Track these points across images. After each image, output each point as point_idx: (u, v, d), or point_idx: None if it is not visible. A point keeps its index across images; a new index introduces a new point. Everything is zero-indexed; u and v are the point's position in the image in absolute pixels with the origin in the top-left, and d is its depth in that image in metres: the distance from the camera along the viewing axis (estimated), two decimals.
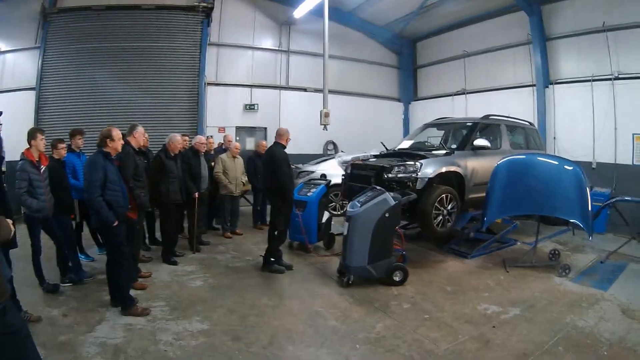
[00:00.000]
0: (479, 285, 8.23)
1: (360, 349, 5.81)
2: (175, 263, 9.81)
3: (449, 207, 9.63)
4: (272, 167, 9.19)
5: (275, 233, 9.42)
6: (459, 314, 6.84)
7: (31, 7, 18.81)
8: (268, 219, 12.00)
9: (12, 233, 3.36)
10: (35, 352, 3.51)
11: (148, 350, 5.75)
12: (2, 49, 19.06)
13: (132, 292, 7.38)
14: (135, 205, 8.06)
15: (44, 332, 6.09)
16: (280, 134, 9.54)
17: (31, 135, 7.35)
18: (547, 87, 17.23)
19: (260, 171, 12.23)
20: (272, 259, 9.38)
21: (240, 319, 6.87)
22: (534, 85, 17.81)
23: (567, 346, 5.75)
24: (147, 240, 11.28)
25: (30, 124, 14.98)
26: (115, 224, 6.80)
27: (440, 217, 9.55)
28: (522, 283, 8.31)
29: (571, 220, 8.98)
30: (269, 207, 12.69)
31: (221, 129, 19.88)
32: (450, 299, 7.55)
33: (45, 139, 7.69)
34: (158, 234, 11.14)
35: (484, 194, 9.95)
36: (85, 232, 10.02)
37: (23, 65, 18.83)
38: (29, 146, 7.34)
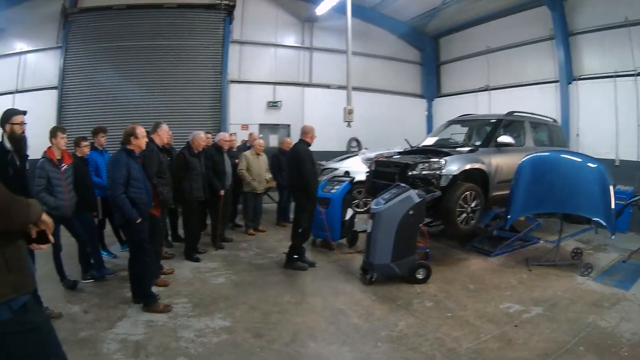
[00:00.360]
0: (502, 283, 8.18)
1: (382, 347, 5.79)
2: (197, 260, 9.85)
3: (473, 205, 9.59)
4: (297, 164, 9.15)
5: (299, 230, 9.37)
6: (482, 313, 6.81)
7: (52, 8, 19.08)
8: (292, 216, 12.07)
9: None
10: (58, 349, 3.41)
11: (169, 347, 5.78)
12: (24, 49, 19.33)
13: (154, 289, 7.43)
14: (159, 202, 8.08)
15: (65, 328, 6.11)
16: (305, 131, 9.48)
17: (52, 134, 7.41)
18: (570, 83, 17.08)
19: (285, 168, 12.26)
20: (295, 256, 9.32)
21: (263, 316, 6.87)
22: (557, 81, 17.67)
23: (588, 346, 5.70)
24: (169, 237, 11.33)
25: (52, 122, 15.17)
26: (138, 221, 6.85)
27: (464, 215, 9.51)
28: (544, 282, 8.24)
29: (594, 219, 8.90)
30: (292, 204, 12.75)
31: (244, 126, 19.99)
32: (472, 297, 7.52)
33: (68, 138, 7.76)
34: (181, 231, 11.18)
35: (507, 192, 9.86)
36: (108, 229, 10.09)
37: (45, 64, 19.13)
38: (50, 144, 7.44)
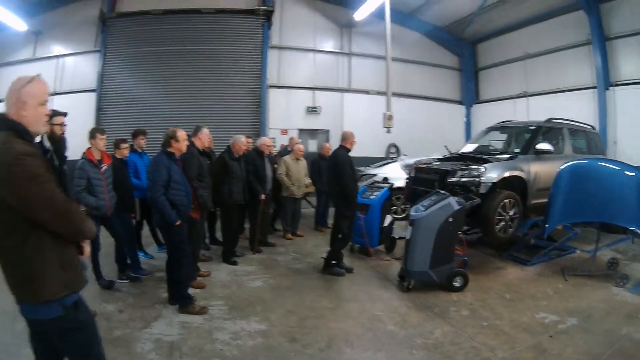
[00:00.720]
0: (538, 293, 8.09)
1: (417, 355, 5.78)
2: (235, 263, 9.92)
3: (511, 213, 9.54)
4: (336, 170, 9.10)
5: (339, 236, 9.36)
6: (517, 322, 6.76)
7: (90, 12, 19.70)
8: (330, 221, 12.09)
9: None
10: (100, 348, 3.72)
11: (204, 349, 5.84)
12: (62, 52, 19.86)
13: (191, 291, 7.50)
14: (198, 205, 8.18)
15: (100, 327, 6.20)
16: (345, 137, 9.43)
17: (91, 135, 7.56)
18: (608, 89, 17.06)
19: (324, 174, 12.32)
20: (333, 262, 9.30)
21: (299, 321, 6.89)
22: (594, 87, 17.61)
23: (623, 358, 5.65)
24: (207, 240, 11.39)
25: (90, 124, 15.44)
26: (177, 223, 6.95)
27: (503, 223, 9.46)
28: (580, 292, 8.16)
29: (631, 228, 8.81)
30: (331, 209, 12.77)
31: (284, 131, 20.21)
32: (508, 306, 7.46)
33: (107, 139, 7.90)
34: (219, 234, 11.25)
35: (546, 200, 9.74)
36: (145, 230, 10.31)
37: (83, 67, 19.74)
38: (89, 146, 7.56)
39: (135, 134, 9.98)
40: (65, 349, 3.43)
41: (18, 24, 18.72)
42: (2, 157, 2.96)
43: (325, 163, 12.30)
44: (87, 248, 3.52)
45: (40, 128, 3.38)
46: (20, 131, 3.15)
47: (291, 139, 14.24)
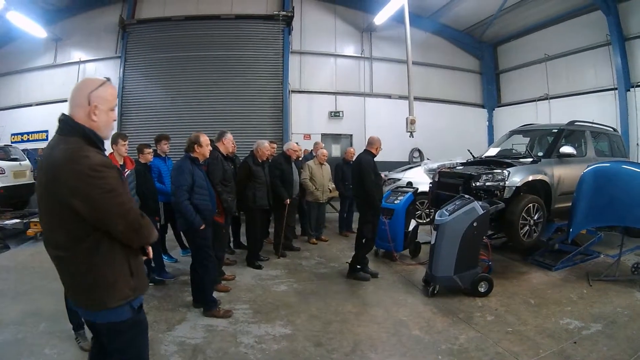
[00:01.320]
0: (562, 298, 8.05)
1: None
2: (259, 267, 9.99)
3: (536, 217, 9.49)
4: (359, 175, 9.08)
5: (363, 241, 9.30)
6: (541, 328, 6.73)
7: (109, 19, 20.08)
8: (354, 226, 12.12)
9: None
10: (148, 349, 3.76)
11: (228, 352, 5.89)
12: (83, 59, 20.24)
13: (215, 294, 7.56)
14: (222, 209, 8.24)
15: None
16: (371, 142, 9.45)
17: (113, 141, 7.66)
18: (629, 90, 16.99)
19: (348, 178, 12.44)
20: (358, 266, 9.30)
21: (324, 325, 6.91)
22: (615, 88, 17.60)
23: None
24: (231, 244, 11.50)
25: (113, 129, 15.54)
26: (201, 228, 7.02)
27: (527, 227, 9.41)
28: (604, 297, 8.08)
29: None
30: (355, 214, 12.81)
31: (306, 136, 20.30)
32: (533, 312, 7.42)
33: (129, 144, 8.04)
34: (243, 238, 11.35)
35: (569, 204, 9.69)
36: (169, 234, 10.41)
37: (104, 73, 19.62)
38: (112, 151, 7.63)
39: (159, 139, 10.08)
40: (121, 349, 3.47)
41: (37, 31, 19.04)
42: (76, 166, 2.95)
43: (349, 168, 12.39)
44: (150, 250, 3.62)
45: (108, 134, 3.39)
46: (91, 138, 3.17)
47: (316, 144, 14.17)
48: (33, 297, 7.73)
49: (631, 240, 10.41)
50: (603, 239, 10.34)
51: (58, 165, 2.98)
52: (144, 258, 3.59)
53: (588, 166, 9.43)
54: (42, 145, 19.51)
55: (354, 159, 10.20)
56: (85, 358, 5.36)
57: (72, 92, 3.29)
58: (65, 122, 3.19)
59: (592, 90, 18.91)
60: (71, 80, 19.43)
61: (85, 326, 5.87)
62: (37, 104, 20.76)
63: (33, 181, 15.47)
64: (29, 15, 17.78)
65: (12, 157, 15.36)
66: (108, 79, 3.41)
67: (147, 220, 3.37)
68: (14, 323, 6.60)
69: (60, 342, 5.98)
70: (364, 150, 9.45)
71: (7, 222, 12.73)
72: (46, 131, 20.04)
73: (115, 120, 3.44)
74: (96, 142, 3.19)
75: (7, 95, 21.53)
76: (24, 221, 12.75)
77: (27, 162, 15.95)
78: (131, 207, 3.20)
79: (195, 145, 7.21)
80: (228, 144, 8.80)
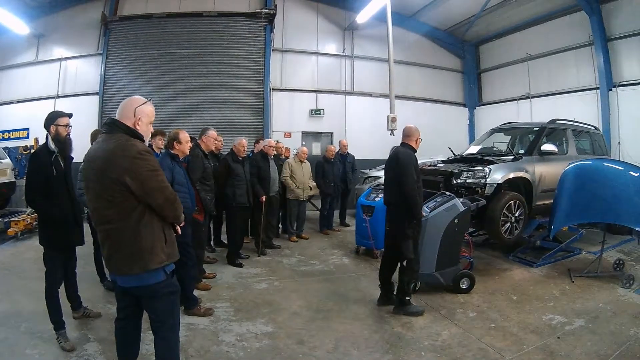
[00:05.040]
0: (544, 294, 8.09)
1: (425, 357, 5.78)
2: (240, 265, 9.92)
3: (517, 214, 9.54)
4: (397, 174, 7.23)
5: (404, 264, 7.32)
6: (525, 324, 6.76)
7: (92, 15, 19.96)
8: (334, 224, 12.12)
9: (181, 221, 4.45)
10: (179, 312, 4.64)
11: (210, 350, 5.86)
12: (65, 56, 20.02)
13: (196, 293, 7.49)
14: (202, 207, 8.21)
15: (103, 328, 6.32)
16: (410, 133, 7.61)
17: (93, 138, 7.63)
18: (611, 90, 17.16)
19: (329, 176, 12.77)
20: (407, 298, 7.30)
21: (305, 323, 6.89)
22: (597, 88, 17.72)
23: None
24: (212, 242, 11.49)
25: (94, 127, 15.40)
26: (181, 225, 6.95)
27: (508, 224, 9.45)
28: (586, 293, 8.15)
29: (636, 229, 8.79)
30: (336, 212, 12.74)
31: (287, 134, 20.24)
32: (515, 308, 7.46)
33: None
34: (224, 237, 11.32)
35: (551, 201, 9.75)
36: None
37: (86, 70, 20.01)
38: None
39: (154, 135, 9.96)
40: (157, 308, 4.26)
41: (20, 27, 18.78)
42: (128, 152, 3.83)
43: (330, 166, 12.32)
44: (179, 229, 4.52)
45: (146, 140, 4.28)
46: (135, 133, 4.07)
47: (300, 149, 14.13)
48: (13, 297, 7.62)
49: (612, 237, 10.46)
50: (584, 236, 10.40)
51: (112, 153, 3.85)
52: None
53: (570, 164, 9.49)
54: (23, 143, 19.65)
55: (391, 154, 7.84)
56: (67, 358, 5.47)
57: (122, 106, 4.17)
58: (113, 124, 4.07)
59: (574, 90, 19.01)
60: (52, 78, 19.92)
61: (66, 325, 5.89)
62: (18, 102, 20.47)
63: (14, 180, 15.47)
64: (11, 11, 17.57)
65: None
66: (150, 99, 4.35)
67: (177, 197, 4.25)
68: None
69: (42, 342, 5.91)
70: (401, 143, 7.69)
71: None
72: (27, 129, 19.87)
73: (152, 132, 4.41)
74: (139, 136, 4.09)
75: None
76: (5, 220, 12.64)
77: (7, 160, 15.67)
78: (168, 185, 4.15)
79: (175, 142, 7.17)
80: (209, 141, 8.78)
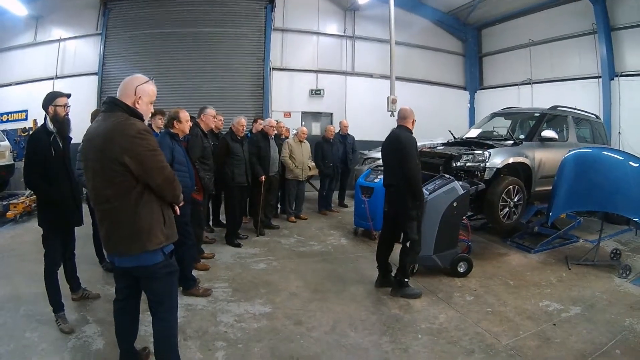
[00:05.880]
0: (541, 281, 8.12)
1: (422, 339, 5.81)
2: (238, 245, 9.94)
3: (516, 199, 9.56)
4: (399, 156, 7.25)
5: (407, 245, 7.38)
6: (521, 309, 6.80)
7: None
8: (333, 204, 12.12)
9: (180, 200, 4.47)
10: (177, 293, 4.75)
11: (208, 331, 5.90)
12: (64, 36, 19.88)
13: (194, 273, 7.54)
14: (201, 186, 8.21)
15: (102, 309, 6.35)
16: (405, 115, 7.62)
17: (93, 117, 7.50)
18: (613, 79, 17.07)
19: (328, 156, 12.76)
20: (405, 279, 7.37)
21: (303, 303, 6.94)
22: (599, 77, 17.64)
23: (625, 349, 5.65)
24: (211, 222, 11.51)
25: (93, 107, 15.30)
26: (180, 204, 6.95)
27: (507, 209, 9.48)
28: (583, 281, 8.18)
29: (634, 219, 8.80)
30: (335, 192, 12.72)
31: (287, 114, 20.17)
32: (512, 293, 7.50)
33: None
34: (222, 217, 11.33)
35: (550, 187, 9.75)
36: None
37: (85, 51, 19.85)
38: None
39: (154, 114, 9.91)
40: (155, 288, 4.30)
41: (18, 8, 18.65)
42: (127, 131, 3.83)
43: (329, 146, 12.31)
44: (177, 209, 4.53)
45: (146, 120, 4.29)
46: (134, 112, 4.05)
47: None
48: (13, 280, 7.63)
49: (610, 227, 10.49)
50: (582, 224, 10.43)
51: (111, 132, 3.85)
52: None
53: (569, 151, 9.47)
54: (22, 125, 19.49)
55: (387, 137, 7.93)
56: (66, 340, 5.49)
57: (122, 84, 4.14)
58: (112, 102, 4.05)
59: (575, 77, 18.92)
60: (51, 59, 19.73)
61: (65, 307, 5.96)
62: (17, 84, 20.24)
63: (12, 162, 15.45)
64: None
65: None
66: (152, 78, 4.37)
67: (176, 177, 4.25)
68: None
69: (41, 325, 5.92)
70: (398, 126, 7.72)
71: None
72: (26, 111, 19.64)
73: (152, 112, 4.46)
74: (138, 115, 4.08)
75: None
76: (3, 203, 12.60)
77: (6, 142, 15.66)
78: (167, 165, 4.12)
79: (175, 121, 7.15)
80: (207, 119, 8.75)
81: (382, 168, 8.91)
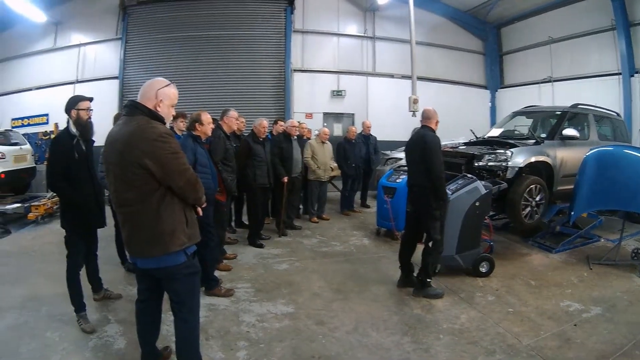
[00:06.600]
0: (563, 281, 8.07)
1: (443, 340, 5.81)
2: (261, 246, 10.02)
3: (538, 199, 9.52)
4: (423, 156, 7.23)
5: (429, 245, 7.41)
6: (542, 310, 6.77)
7: (109, 2, 19.92)
8: (355, 205, 12.15)
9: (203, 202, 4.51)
10: (199, 294, 4.69)
11: (230, 331, 5.94)
12: (83, 41, 20.20)
13: (217, 273, 7.60)
14: (224, 188, 8.25)
15: (124, 309, 6.48)
16: (429, 115, 7.61)
17: (115, 121, 7.63)
18: (633, 76, 16.90)
19: (350, 157, 12.79)
20: (428, 280, 7.35)
21: (325, 304, 6.98)
22: (619, 73, 17.47)
23: None
24: (233, 223, 11.55)
25: (115, 111, 15.53)
26: (203, 205, 7.01)
27: (529, 209, 9.45)
28: (604, 281, 8.10)
29: None
30: (357, 193, 12.76)
31: (308, 115, 20.24)
32: (534, 293, 7.46)
33: None
34: (245, 218, 11.37)
35: (571, 186, 9.67)
36: None
37: (105, 55, 20.16)
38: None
39: (175, 117, 10.00)
40: (178, 289, 4.33)
41: (37, 15, 18.93)
42: (148, 135, 3.83)
43: (351, 147, 12.36)
44: (200, 210, 4.54)
45: (167, 123, 4.27)
46: (156, 115, 4.06)
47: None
48: (34, 281, 7.77)
49: (632, 226, 10.43)
50: (603, 223, 10.34)
51: (132, 135, 3.85)
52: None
53: (590, 149, 9.40)
54: (43, 129, 19.89)
55: (411, 137, 8.07)
56: (87, 340, 5.57)
57: (143, 88, 4.17)
58: (133, 106, 4.07)
59: (595, 75, 18.74)
60: (71, 64, 20.17)
61: (87, 307, 6.04)
62: (37, 88, 20.67)
63: (34, 165, 15.79)
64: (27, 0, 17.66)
65: (12, 141, 15.33)
66: (172, 83, 4.36)
67: (199, 179, 4.25)
68: (14, 307, 6.64)
69: (62, 325, 6.01)
70: (422, 126, 7.71)
71: (8, 206, 12.79)
72: (46, 114, 20.06)
73: (173, 115, 4.58)
74: (160, 118, 4.09)
75: (7, 80, 21.41)
76: (25, 205, 12.79)
77: (27, 146, 15.95)
78: (189, 167, 4.15)
79: (197, 124, 7.21)
80: (230, 121, 8.76)
81: (405, 168, 8.97)
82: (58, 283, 6.44)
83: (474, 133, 12.32)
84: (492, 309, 6.79)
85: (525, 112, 12.87)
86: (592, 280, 8.16)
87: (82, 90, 17.50)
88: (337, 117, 21.59)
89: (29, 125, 20.31)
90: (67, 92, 16.07)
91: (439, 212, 7.27)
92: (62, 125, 6.29)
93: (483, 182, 8.31)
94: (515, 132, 12.04)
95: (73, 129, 5.92)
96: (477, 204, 7.96)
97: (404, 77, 20.96)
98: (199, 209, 4.53)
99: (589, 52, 19.16)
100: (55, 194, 10.25)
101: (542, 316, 6.56)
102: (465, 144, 11.77)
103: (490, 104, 24.37)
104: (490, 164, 9.47)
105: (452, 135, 15.25)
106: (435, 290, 7.35)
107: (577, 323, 6.34)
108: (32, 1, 17.92)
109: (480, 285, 7.80)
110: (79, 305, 5.98)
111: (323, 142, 12.66)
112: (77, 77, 20.06)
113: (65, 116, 6.01)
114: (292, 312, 6.62)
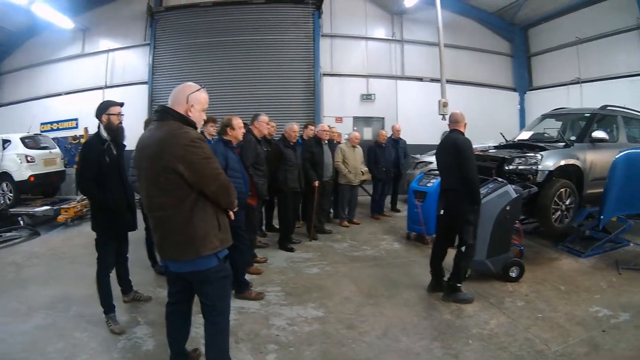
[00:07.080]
0: (592, 286, 8.01)
1: (472, 345, 5.83)
2: (291, 250, 10.10)
3: (567, 203, 9.47)
4: (456, 160, 7.20)
5: (462, 249, 7.35)
6: (571, 315, 6.74)
7: (137, 7, 20.39)
8: (385, 209, 12.18)
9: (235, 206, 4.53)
10: (230, 297, 4.73)
11: (260, 334, 6.00)
12: (112, 47, 20.57)
13: (247, 277, 7.69)
14: (255, 192, 8.32)
15: (153, 311, 6.61)
16: (456, 119, 7.56)
17: (146, 126, 7.76)
18: None
19: (381, 161, 12.83)
20: (458, 284, 7.34)
21: (356, 308, 7.00)
22: None
23: None
24: (264, 227, 11.67)
25: (145, 115, 15.91)
26: (234, 210, 7.10)
27: (559, 213, 9.41)
28: (633, 286, 8.01)
29: None
30: (388, 197, 12.78)
31: (338, 119, 20.36)
32: (563, 298, 7.42)
33: None
34: (275, 222, 11.45)
35: (601, 190, 9.57)
36: None
37: (134, 61, 20.59)
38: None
39: (206, 121, 10.12)
40: (209, 293, 4.37)
41: (64, 22, 19.28)
42: (180, 140, 3.87)
43: (382, 151, 12.42)
44: (232, 214, 4.55)
45: (198, 128, 4.33)
46: (187, 120, 4.10)
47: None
48: (63, 282, 7.95)
49: None
50: (633, 227, 10.26)
51: (164, 141, 3.90)
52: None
53: (620, 152, 9.30)
54: (72, 133, 20.24)
55: (442, 141, 8.04)
56: (116, 341, 5.71)
57: (174, 93, 4.20)
58: (164, 111, 4.11)
59: (623, 75, 18.56)
60: (100, 69, 20.59)
61: (116, 309, 6.17)
62: (67, 93, 21.17)
63: (63, 168, 16.28)
64: (54, 7, 17.99)
65: (42, 145, 15.74)
66: (204, 87, 4.37)
67: (231, 183, 4.29)
68: (44, 308, 6.80)
69: (91, 325, 6.15)
70: (451, 130, 7.66)
71: (37, 208, 13.13)
72: (76, 119, 20.44)
73: (205, 119, 4.67)
74: (191, 123, 4.13)
75: (36, 86, 21.87)
76: (55, 208, 13.07)
77: (57, 150, 16.39)
78: (222, 172, 4.20)
79: (228, 129, 7.30)
80: (261, 126, 8.84)
81: (435, 172, 9.03)
82: (87, 284, 6.64)
83: (503, 136, 12.29)
84: (522, 315, 6.77)
85: (554, 115, 12.75)
86: (621, 285, 8.09)
87: (111, 95, 17.80)
88: (367, 121, 21.63)
89: (58, 129, 20.75)
90: (97, 97, 16.68)
91: (473, 216, 7.24)
92: (92, 130, 6.47)
93: (513, 186, 8.28)
94: (545, 134, 12.01)
95: (104, 134, 6.08)
96: (507, 208, 7.92)
97: (432, 80, 21.03)
98: (231, 213, 4.56)
99: (616, 52, 19.00)
100: (85, 197, 10.44)
101: (571, 322, 6.53)
102: (495, 147, 11.70)
103: (519, 106, 24.20)
104: (520, 167, 9.44)
105: (481, 138, 15.19)
106: (466, 295, 7.34)
107: (606, 329, 6.30)
108: (58, 9, 18.24)
109: (510, 290, 7.77)
110: (108, 307, 6.11)
111: (354, 147, 12.71)
112: (106, 83, 20.46)
113: (96, 121, 6.18)
114: (322, 316, 6.67)
